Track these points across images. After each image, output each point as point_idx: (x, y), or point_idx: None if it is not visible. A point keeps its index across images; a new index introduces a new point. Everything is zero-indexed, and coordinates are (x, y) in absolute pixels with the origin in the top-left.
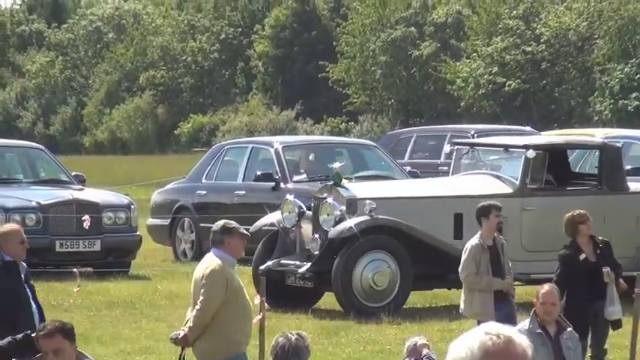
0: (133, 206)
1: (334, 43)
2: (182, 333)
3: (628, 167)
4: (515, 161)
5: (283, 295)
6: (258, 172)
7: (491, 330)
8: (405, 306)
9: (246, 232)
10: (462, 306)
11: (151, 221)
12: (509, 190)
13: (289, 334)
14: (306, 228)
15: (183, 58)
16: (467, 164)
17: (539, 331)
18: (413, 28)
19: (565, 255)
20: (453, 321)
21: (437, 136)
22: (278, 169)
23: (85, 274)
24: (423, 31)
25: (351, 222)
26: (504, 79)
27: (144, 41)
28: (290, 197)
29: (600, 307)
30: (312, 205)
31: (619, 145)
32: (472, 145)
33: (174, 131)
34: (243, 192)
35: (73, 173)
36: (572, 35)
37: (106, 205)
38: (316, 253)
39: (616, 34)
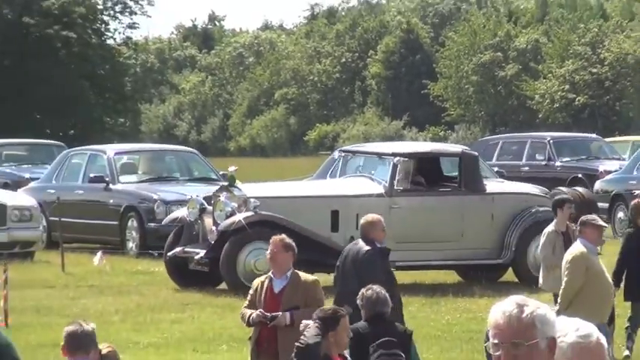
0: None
1: (434, 65)
2: None
3: None
4: (386, 166)
5: (190, 276)
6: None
7: (581, 331)
8: None
9: (602, 224)
10: (540, 281)
11: None
12: (380, 190)
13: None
14: (208, 222)
15: (311, 78)
16: (352, 168)
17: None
18: (499, 53)
19: (628, 233)
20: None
21: (519, 142)
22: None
23: None
24: (507, 56)
25: (239, 216)
26: (574, 95)
27: (278, 64)
28: (194, 196)
29: None
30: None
31: (475, 153)
32: (354, 152)
33: (304, 138)
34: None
35: (221, 172)
36: (630, 59)
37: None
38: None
39: None
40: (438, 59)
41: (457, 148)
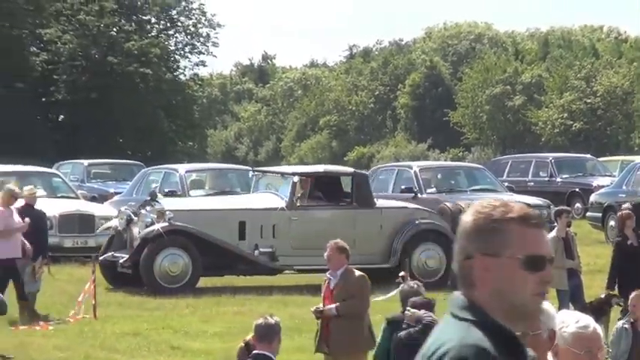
0: None
1: (453, 96)
2: None
3: None
4: (288, 184)
5: (119, 277)
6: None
7: (580, 322)
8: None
9: None
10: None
11: None
12: (282, 204)
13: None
14: (135, 231)
15: (350, 107)
16: (263, 185)
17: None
18: (508, 87)
19: (617, 242)
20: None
21: (525, 161)
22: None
23: None
24: (515, 89)
25: (156, 226)
26: (572, 122)
27: (322, 96)
28: (123, 208)
29: None
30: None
31: (366, 173)
32: (264, 171)
33: (344, 158)
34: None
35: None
36: (618, 91)
37: None
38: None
39: None
40: (456, 91)
41: (349, 169)
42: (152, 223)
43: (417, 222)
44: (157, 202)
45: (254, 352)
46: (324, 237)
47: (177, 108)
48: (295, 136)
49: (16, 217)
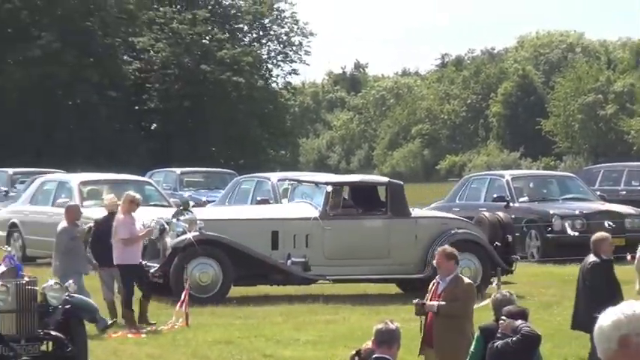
0: None
1: (545, 105)
2: None
3: None
4: (322, 194)
5: (152, 287)
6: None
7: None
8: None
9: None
10: (636, 287)
11: None
12: (315, 214)
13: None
14: (167, 240)
15: (442, 116)
16: (298, 195)
17: None
18: (600, 96)
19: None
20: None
21: (618, 170)
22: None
23: None
24: (607, 98)
25: (186, 236)
26: None
27: (414, 105)
28: (156, 218)
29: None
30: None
31: (401, 183)
32: (298, 181)
33: (436, 167)
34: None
35: None
36: None
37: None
38: None
39: None
40: (548, 100)
41: (384, 179)
42: (183, 233)
43: (452, 232)
44: (189, 211)
45: (375, 355)
46: (357, 247)
47: (269, 116)
48: (387, 145)
49: (139, 224)
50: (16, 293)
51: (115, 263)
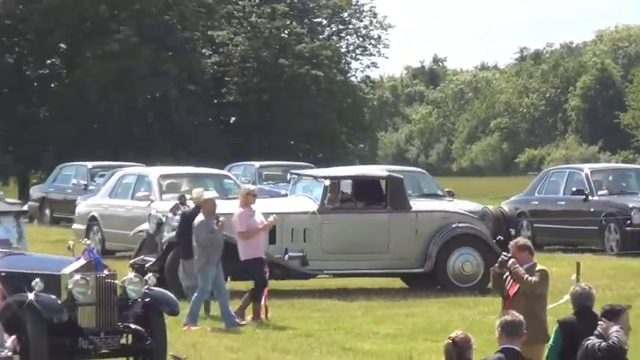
0: None
1: (624, 98)
2: None
3: None
4: (320, 187)
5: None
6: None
7: None
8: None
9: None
10: None
11: None
12: (313, 208)
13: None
14: (165, 234)
15: (520, 110)
16: (300, 188)
17: None
18: None
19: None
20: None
21: None
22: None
23: None
24: None
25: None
26: None
27: (493, 98)
28: (153, 212)
29: None
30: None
31: (401, 177)
32: (299, 175)
33: (514, 160)
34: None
35: (446, 189)
36: None
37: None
38: None
39: None
40: (627, 93)
41: (384, 172)
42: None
43: (453, 226)
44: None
45: (504, 346)
46: (356, 241)
47: (348, 110)
48: (466, 138)
49: (259, 217)
50: (95, 286)
51: (241, 259)
